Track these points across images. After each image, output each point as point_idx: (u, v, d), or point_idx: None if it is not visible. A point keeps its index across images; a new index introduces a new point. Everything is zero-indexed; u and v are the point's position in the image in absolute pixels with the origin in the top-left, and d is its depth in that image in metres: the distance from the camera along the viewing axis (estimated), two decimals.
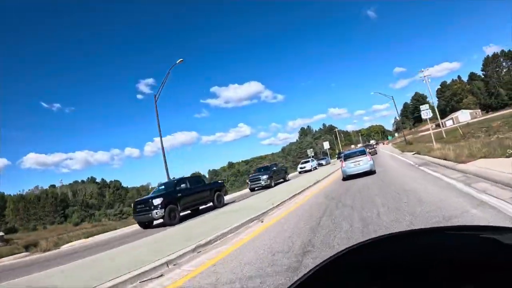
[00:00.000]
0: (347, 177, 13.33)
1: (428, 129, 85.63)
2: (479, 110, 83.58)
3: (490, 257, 0.71)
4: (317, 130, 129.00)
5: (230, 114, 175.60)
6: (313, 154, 44.75)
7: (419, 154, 18.30)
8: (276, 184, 21.53)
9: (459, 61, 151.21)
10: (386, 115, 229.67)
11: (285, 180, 23.72)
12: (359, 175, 12.93)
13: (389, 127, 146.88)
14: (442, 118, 77.79)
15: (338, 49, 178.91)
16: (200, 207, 14.62)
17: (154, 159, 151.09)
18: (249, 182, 21.88)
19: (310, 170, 32.83)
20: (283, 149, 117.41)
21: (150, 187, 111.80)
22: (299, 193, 12.56)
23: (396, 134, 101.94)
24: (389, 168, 15.15)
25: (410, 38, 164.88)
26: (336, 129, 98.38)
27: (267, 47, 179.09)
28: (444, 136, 38.60)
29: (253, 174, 22.65)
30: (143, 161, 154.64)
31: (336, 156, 60.32)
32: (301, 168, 34.86)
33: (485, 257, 0.72)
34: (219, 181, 17.52)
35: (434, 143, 19.19)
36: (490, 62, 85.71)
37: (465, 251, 0.79)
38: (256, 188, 21.14)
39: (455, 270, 0.67)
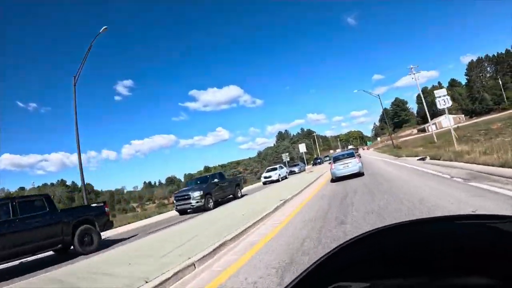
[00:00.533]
0: (336, 179, 13.13)
1: (408, 135, 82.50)
2: (462, 115, 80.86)
3: (497, 246, 0.68)
4: (295, 134, 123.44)
5: (209, 118, 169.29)
6: (288, 159, 38.28)
7: (436, 159, 11.75)
8: (220, 204, 14.32)
9: (437, 70, 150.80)
10: (364, 121, 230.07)
11: (236, 197, 16.37)
12: (349, 177, 12.66)
13: (367, 133, 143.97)
14: (425, 123, 74.20)
15: (317, 55, 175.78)
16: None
17: (132, 162, 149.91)
18: (174, 201, 14.32)
19: (277, 181, 25.96)
20: (259, 154, 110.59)
21: (125, 191, 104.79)
22: (241, 234, 5.99)
23: (378, 139, 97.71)
24: (415, 187, 7.79)
25: (388, 46, 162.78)
26: (315, 134, 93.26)
27: (247, 51, 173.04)
28: (436, 140, 33.92)
29: (181, 190, 15.08)
30: (120, 164, 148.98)
31: (312, 162, 53.99)
32: (265, 178, 27.61)
33: (493, 246, 0.68)
34: (94, 205, 9.38)
35: (455, 144, 12.70)
36: (474, 66, 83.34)
37: (473, 239, 0.74)
38: (188, 210, 13.67)
39: (461, 258, 0.65)
